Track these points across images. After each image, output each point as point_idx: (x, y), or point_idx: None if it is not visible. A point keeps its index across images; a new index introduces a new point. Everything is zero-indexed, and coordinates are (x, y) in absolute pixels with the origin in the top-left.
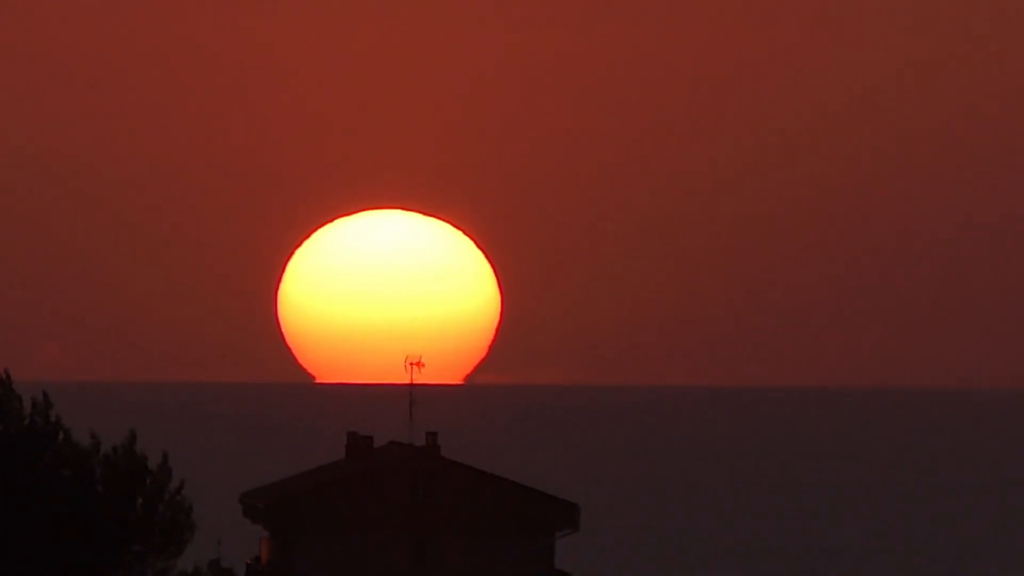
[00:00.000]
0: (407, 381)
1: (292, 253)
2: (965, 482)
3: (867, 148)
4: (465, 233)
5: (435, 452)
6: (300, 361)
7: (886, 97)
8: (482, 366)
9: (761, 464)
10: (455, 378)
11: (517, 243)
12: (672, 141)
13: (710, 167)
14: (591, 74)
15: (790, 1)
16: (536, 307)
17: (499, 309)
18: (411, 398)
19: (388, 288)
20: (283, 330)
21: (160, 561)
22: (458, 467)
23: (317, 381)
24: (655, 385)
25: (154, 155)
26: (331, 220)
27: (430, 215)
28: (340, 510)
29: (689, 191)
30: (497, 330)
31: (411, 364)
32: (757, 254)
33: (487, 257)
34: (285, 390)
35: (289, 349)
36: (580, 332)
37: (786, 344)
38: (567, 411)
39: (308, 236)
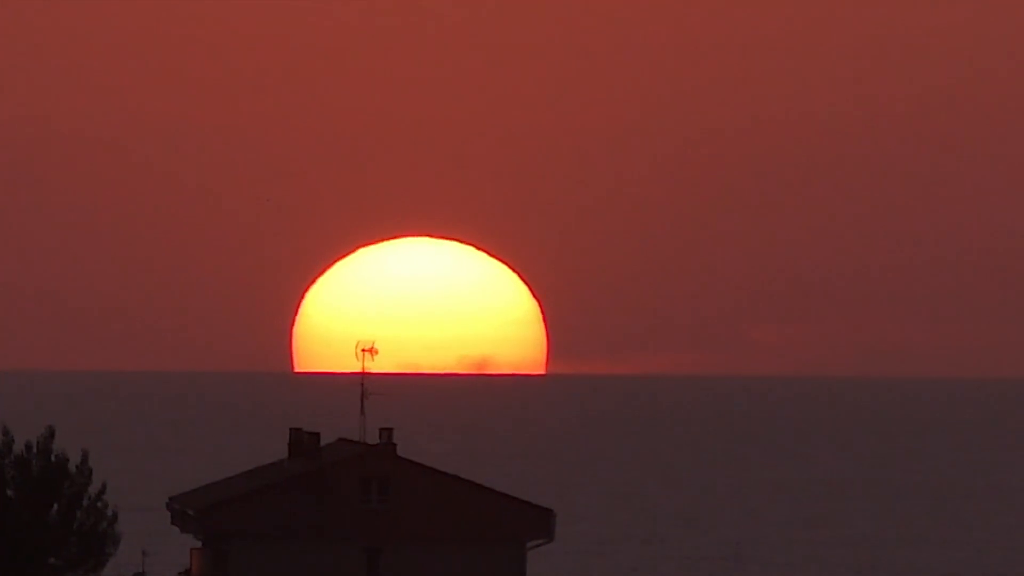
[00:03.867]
0: (456, 371)
1: (318, 271)
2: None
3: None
4: (489, 253)
5: (390, 450)
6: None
7: (902, 90)
8: (552, 358)
9: (764, 464)
10: (537, 369)
11: (527, 247)
12: (675, 140)
13: (715, 163)
14: (594, 79)
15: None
16: (567, 303)
17: (538, 308)
18: (363, 389)
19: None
20: (300, 324)
21: None
22: (416, 467)
23: (296, 371)
24: (685, 376)
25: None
26: (371, 243)
27: (453, 239)
28: (281, 516)
29: (693, 189)
30: (547, 327)
31: (363, 351)
32: (766, 247)
33: (512, 269)
34: (260, 380)
35: (290, 340)
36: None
37: (797, 336)
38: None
39: (330, 265)
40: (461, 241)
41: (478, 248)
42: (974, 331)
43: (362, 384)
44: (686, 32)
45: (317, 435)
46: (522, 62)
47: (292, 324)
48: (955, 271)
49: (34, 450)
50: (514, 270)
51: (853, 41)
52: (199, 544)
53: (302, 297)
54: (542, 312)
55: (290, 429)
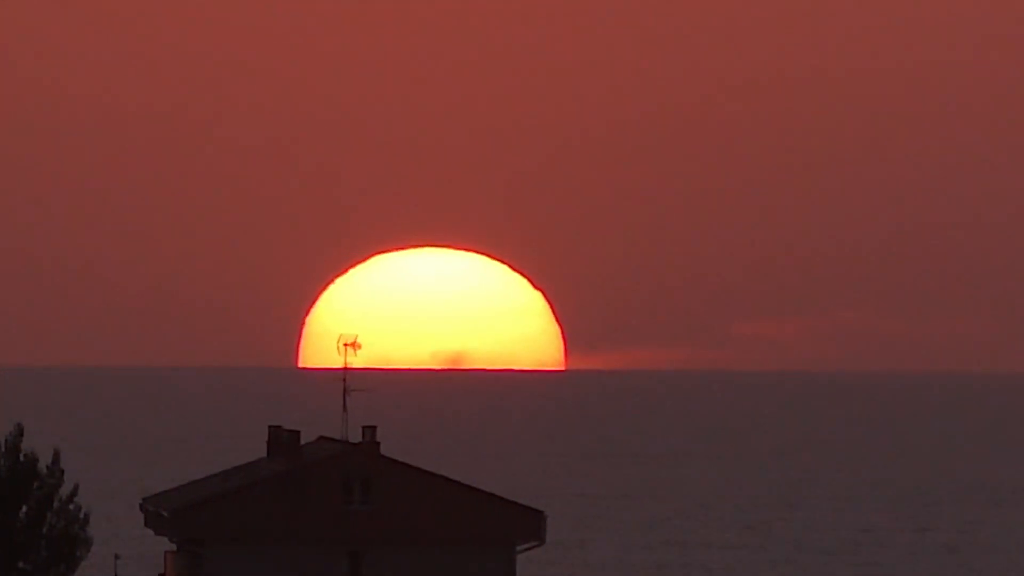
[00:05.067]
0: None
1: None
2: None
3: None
4: (491, 256)
5: (373, 449)
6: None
7: (904, 91)
8: (571, 354)
9: (755, 462)
10: (557, 365)
11: (524, 248)
12: (664, 140)
13: (707, 161)
14: (590, 81)
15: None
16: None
17: (549, 308)
18: (344, 385)
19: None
20: (310, 322)
21: None
22: (400, 467)
23: (300, 367)
24: (671, 372)
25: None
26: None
27: (463, 248)
28: (259, 517)
29: (683, 188)
30: (560, 325)
31: (346, 345)
32: (755, 243)
33: (521, 273)
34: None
35: (298, 338)
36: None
37: (805, 332)
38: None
39: (351, 266)
40: (469, 250)
41: (489, 256)
42: (963, 325)
43: (344, 380)
44: (679, 36)
45: (297, 433)
46: (515, 64)
47: (303, 322)
48: (942, 266)
49: (2, 449)
50: (521, 273)
51: (848, 38)
52: (173, 547)
53: (318, 295)
54: (554, 313)
55: (269, 427)
